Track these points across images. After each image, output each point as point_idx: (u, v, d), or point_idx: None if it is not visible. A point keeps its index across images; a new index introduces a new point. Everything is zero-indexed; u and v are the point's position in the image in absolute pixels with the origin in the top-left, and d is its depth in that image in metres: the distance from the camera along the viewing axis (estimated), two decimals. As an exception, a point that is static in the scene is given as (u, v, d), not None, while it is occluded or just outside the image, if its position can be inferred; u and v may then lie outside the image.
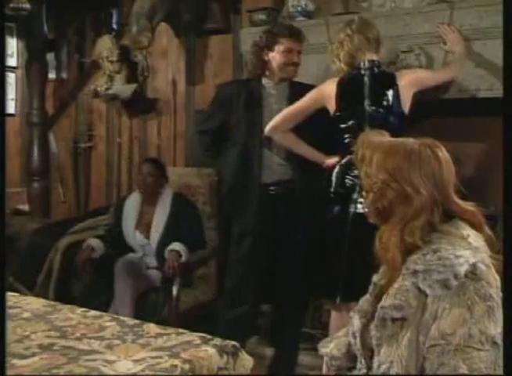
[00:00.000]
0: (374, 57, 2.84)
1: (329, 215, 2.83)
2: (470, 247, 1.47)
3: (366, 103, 2.79)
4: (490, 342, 1.39)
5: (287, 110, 2.97)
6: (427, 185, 1.51)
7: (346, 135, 2.79)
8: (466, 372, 1.37)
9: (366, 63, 2.82)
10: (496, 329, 1.42)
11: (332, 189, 2.82)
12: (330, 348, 1.77)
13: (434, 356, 1.41)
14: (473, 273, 1.43)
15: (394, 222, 1.52)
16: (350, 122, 2.81)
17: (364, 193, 1.61)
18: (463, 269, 1.42)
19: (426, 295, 1.45)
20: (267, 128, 2.98)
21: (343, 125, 2.83)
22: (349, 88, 2.84)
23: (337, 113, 2.84)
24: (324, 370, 1.83)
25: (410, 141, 1.58)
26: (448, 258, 1.44)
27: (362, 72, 2.82)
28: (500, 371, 1.39)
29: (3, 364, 1.60)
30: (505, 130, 1.55)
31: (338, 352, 1.75)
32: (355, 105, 2.81)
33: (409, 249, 1.51)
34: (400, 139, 1.60)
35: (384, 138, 1.62)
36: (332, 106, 2.85)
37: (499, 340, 1.42)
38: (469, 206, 1.56)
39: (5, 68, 4.59)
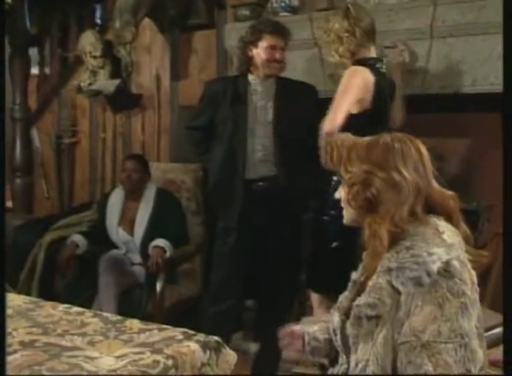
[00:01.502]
0: (374, 54, 2.78)
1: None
2: (443, 245, 1.47)
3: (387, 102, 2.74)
4: (459, 337, 1.40)
5: (344, 106, 2.64)
6: (412, 172, 1.53)
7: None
8: (430, 369, 1.38)
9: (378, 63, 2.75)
10: (470, 324, 1.42)
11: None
12: (314, 329, 1.78)
13: (402, 354, 1.42)
14: (446, 271, 1.43)
15: (385, 210, 1.52)
16: (378, 120, 2.67)
17: (346, 189, 1.60)
18: (435, 267, 1.43)
19: (400, 293, 1.45)
20: (328, 126, 2.63)
21: (369, 123, 2.61)
22: (379, 85, 2.69)
23: (370, 110, 2.67)
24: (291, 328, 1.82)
25: (386, 135, 1.60)
26: (421, 256, 1.44)
27: (381, 70, 2.73)
28: (470, 365, 1.40)
29: (3, 363, 1.59)
30: (505, 128, 1.55)
31: (321, 335, 1.75)
32: (384, 103, 2.72)
33: (394, 238, 1.51)
34: (375, 136, 1.61)
35: (355, 137, 1.64)
36: (366, 100, 2.66)
37: (474, 334, 1.43)
38: (448, 193, 1.58)
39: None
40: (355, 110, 2.64)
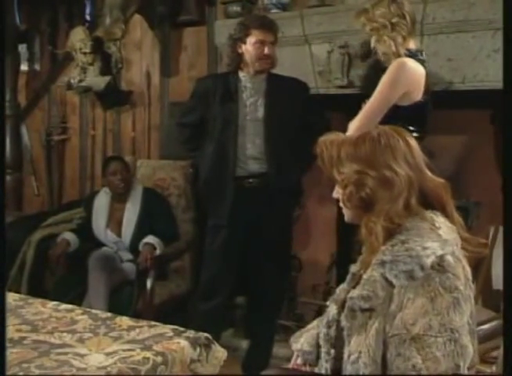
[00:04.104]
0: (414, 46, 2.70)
1: None
2: (438, 240, 1.48)
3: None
4: (449, 332, 1.40)
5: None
6: (402, 166, 1.53)
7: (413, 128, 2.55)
8: (419, 362, 1.39)
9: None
10: (462, 319, 1.43)
11: None
12: (301, 342, 1.79)
13: (392, 347, 1.43)
14: (439, 265, 1.45)
15: (379, 208, 1.53)
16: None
17: (340, 191, 1.61)
18: (429, 261, 1.44)
19: (393, 286, 1.47)
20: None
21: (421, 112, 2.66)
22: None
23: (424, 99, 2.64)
24: (292, 362, 1.84)
25: (373, 130, 1.60)
26: (414, 250, 1.46)
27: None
28: (459, 360, 1.41)
29: (3, 363, 1.58)
30: (505, 127, 1.56)
31: (308, 345, 1.76)
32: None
33: (390, 232, 1.52)
34: (363, 132, 1.61)
35: (343, 136, 1.64)
36: (419, 90, 2.62)
37: (465, 330, 1.43)
38: (439, 180, 1.59)
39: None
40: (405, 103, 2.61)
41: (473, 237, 1.59)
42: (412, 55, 2.63)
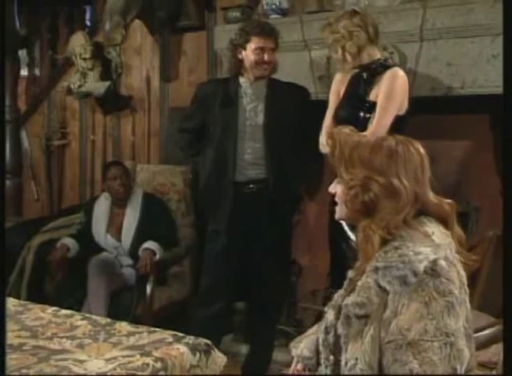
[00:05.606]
0: (380, 56, 2.83)
1: None
2: (431, 244, 1.48)
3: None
4: (444, 335, 1.40)
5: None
6: (411, 180, 1.53)
7: None
8: (416, 367, 1.39)
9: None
10: (458, 323, 1.43)
11: None
12: (301, 348, 1.78)
13: (388, 353, 1.43)
14: (432, 270, 1.45)
15: (381, 217, 1.52)
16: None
17: (344, 189, 1.59)
18: (421, 266, 1.44)
19: (387, 292, 1.47)
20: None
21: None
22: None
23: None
24: (292, 367, 1.84)
25: (390, 138, 1.58)
26: (407, 255, 1.46)
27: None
28: (456, 363, 1.41)
29: (3, 369, 1.58)
30: (504, 132, 1.56)
31: (308, 351, 1.76)
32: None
33: (385, 241, 1.52)
34: (379, 137, 1.60)
35: (358, 135, 1.63)
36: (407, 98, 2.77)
37: (461, 333, 1.43)
38: (444, 201, 1.58)
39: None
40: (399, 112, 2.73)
41: (466, 253, 1.58)
42: (395, 64, 2.80)
